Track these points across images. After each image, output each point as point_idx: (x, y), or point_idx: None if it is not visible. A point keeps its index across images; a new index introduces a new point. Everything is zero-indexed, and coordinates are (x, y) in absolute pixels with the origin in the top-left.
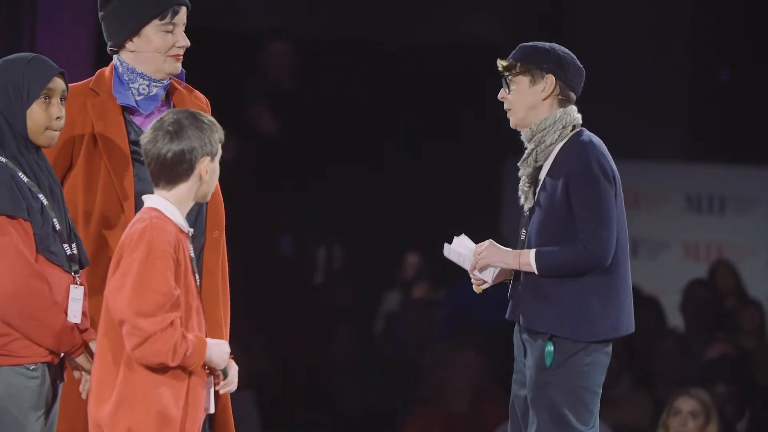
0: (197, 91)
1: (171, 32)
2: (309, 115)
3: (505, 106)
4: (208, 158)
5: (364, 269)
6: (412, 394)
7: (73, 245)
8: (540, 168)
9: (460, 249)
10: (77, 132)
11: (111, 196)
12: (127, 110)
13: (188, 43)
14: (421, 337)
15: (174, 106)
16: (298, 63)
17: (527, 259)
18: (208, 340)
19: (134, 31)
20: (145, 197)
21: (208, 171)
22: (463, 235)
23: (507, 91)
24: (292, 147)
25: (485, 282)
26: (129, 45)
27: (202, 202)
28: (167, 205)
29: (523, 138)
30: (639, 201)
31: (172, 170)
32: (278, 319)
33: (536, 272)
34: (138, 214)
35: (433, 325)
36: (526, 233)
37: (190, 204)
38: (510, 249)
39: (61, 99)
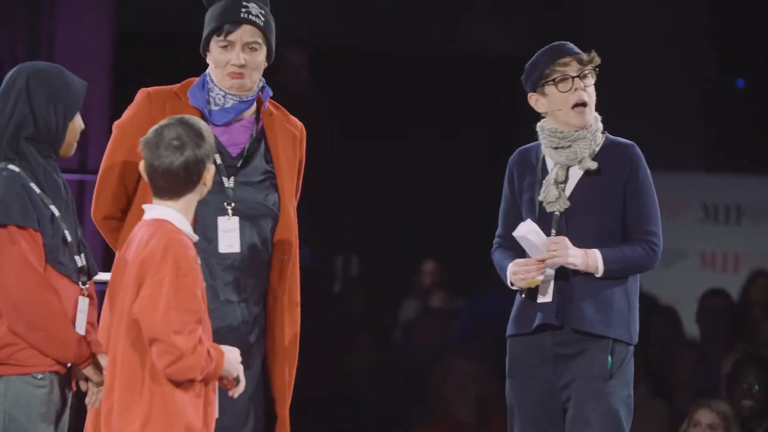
0: (292, 116)
1: (226, 49)
2: (325, 124)
3: (585, 100)
4: (212, 165)
5: (381, 278)
6: (427, 403)
7: (83, 256)
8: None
9: (532, 237)
10: None
11: None
12: (208, 121)
13: (242, 62)
14: (437, 347)
15: (262, 126)
16: (314, 72)
17: (595, 262)
18: (225, 350)
19: (205, 45)
20: (147, 207)
21: (209, 180)
22: (529, 220)
23: (585, 84)
24: (308, 156)
25: (540, 276)
26: (206, 56)
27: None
28: (176, 215)
29: (567, 139)
30: None
31: (182, 182)
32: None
33: (599, 274)
34: (147, 228)
35: (449, 334)
36: (557, 234)
37: (194, 208)
38: (577, 248)
39: None
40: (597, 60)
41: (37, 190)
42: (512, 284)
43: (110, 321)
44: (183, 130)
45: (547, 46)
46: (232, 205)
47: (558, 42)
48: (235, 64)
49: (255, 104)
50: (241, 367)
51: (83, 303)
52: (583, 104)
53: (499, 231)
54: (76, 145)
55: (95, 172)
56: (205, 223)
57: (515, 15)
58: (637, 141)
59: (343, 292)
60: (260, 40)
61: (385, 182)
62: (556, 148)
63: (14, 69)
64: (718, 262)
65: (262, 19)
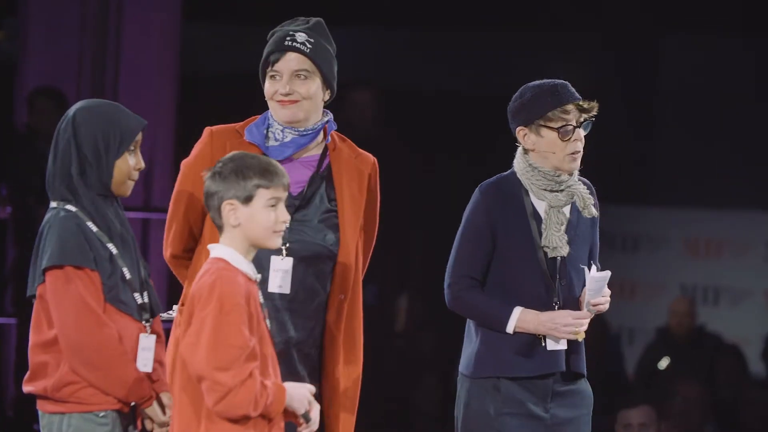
0: (362, 151)
1: (274, 79)
2: (391, 163)
3: (580, 149)
4: (235, 202)
5: (446, 317)
6: None
7: (145, 294)
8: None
9: (602, 284)
10: None
11: None
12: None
13: (287, 90)
14: None
15: (329, 162)
16: (380, 112)
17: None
18: (287, 385)
19: (262, 78)
20: (210, 246)
21: (240, 217)
22: (593, 265)
23: (582, 133)
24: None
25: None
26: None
27: (266, 248)
28: (233, 253)
29: (563, 183)
30: (722, 249)
31: (212, 216)
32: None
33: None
34: (205, 265)
35: None
36: (566, 281)
37: (253, 250)
38: None
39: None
40: (596, 110)
41: (94, 229)
42: (515, 331)
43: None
44: (230, 161)
45: (548, 84)
46: (287, 245)
47: (561, 82)
48: (282, 93)
49: (321, 140)
50: (310, 405)
51: (146, 340)
52: (578, 152)
53: (466, 270)
54: (131, 184)
55: (160, 210)
56: (259, 262)
57: (591, 60)
58: (703, 180)
59: (408, 331)
60: (309, 68)
61: (450, 220)
62: (551, 191)
63: (70, 108)
64: None
65: (309, 46)
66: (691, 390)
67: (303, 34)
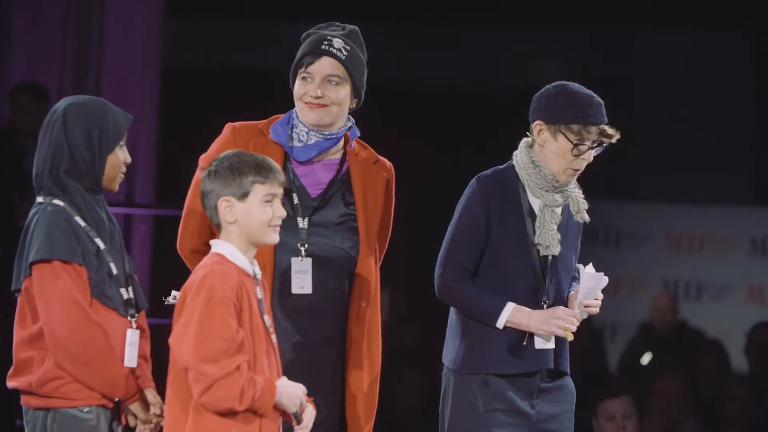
0: (381, 157)
1: (306, 81)
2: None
3: (581, 168)
4: (231, 199)
5: (428, 312)
6: None
7: (130, 289)
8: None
9: (596, 284)
10: None
11: None
12: (290, 158)
13: (318, 94)
14: None
15: (347, 167)
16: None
17: None
18: (279, 383)
19: (292, 79)
20: (212, 242)
21: (236, 213)
22: (590, 264)
23: (592, 154)
24: None
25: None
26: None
27: (264, 244)
28: (231, 249)
29: (559, 189)
30: (704, 244)
31: (209, 215)
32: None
33: None
34: (204, 259)
35: None
36: (556, 280)
37: (252, 247)
38: None
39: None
40: (615, 138)
41: (82, 224)
42: (505, 326)
43: None
44: (225, 159)
45: (585, 98)
46: (306, 246)
47: (598, 101)
48: (312, 95)
49: (342, 145)
50: (309, 408)
51: (132, 335)
52: (580, 170)
53: (460, 261)
54: (121, 178)
55: (142, 205)
56: (280, 264)
57: (568, 49)
58: (684, 175)
59: (391, 326)
60: (341, 75)
61: (435, 214)
62: (547, 191)
63: (57, 103)
64: (766, 295)
65: (344, 53)
66: (673, 385)
67: (340, 41)
